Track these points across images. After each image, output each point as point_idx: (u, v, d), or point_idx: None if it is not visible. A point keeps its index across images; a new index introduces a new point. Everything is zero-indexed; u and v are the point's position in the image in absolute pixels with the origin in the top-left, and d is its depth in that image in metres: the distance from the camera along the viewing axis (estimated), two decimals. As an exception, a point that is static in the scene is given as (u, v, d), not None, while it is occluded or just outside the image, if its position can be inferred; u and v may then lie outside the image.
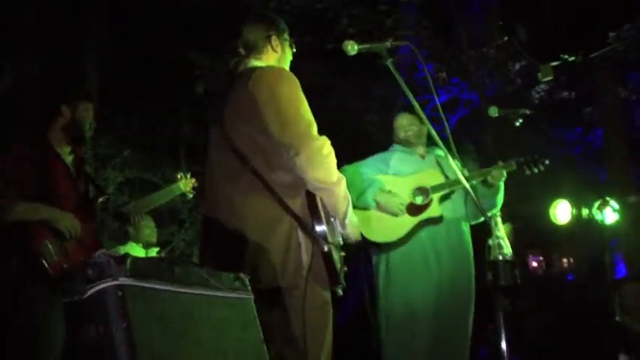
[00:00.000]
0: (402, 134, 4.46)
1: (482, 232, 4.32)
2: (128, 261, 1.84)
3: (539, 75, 3.85)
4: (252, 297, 2.32)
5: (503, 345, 2.53)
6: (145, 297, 1.87)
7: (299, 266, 2.58)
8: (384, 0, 8.99)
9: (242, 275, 2.32)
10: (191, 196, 4.49)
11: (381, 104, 10.17)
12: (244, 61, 2.83)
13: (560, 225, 7.63)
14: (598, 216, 6.36)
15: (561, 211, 7.51)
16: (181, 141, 9.20)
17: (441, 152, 3.13)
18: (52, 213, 3.30)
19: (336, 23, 8.95)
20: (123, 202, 7.27)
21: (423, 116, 3.27)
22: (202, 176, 3.02)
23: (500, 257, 2.55)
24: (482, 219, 4.29)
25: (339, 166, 2.81)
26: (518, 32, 3.88)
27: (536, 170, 4.29)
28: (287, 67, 2.94)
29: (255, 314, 2.30)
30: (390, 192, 4.25)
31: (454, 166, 2.89)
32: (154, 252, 5.78)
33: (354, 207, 3.06)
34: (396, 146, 4.52)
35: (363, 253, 4.32)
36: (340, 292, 2.72)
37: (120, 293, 1.79)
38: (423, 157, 4.45)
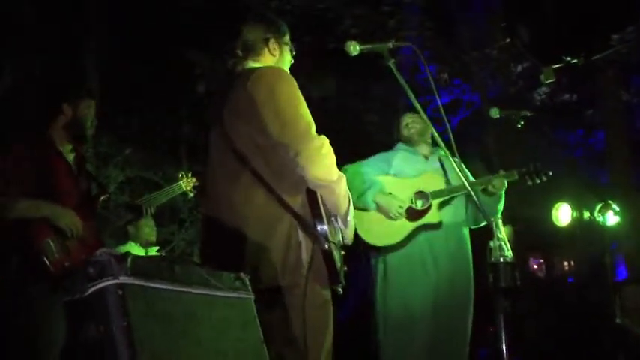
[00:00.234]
0: (405, 132, 4.47)
1: (483, 234, 4.32)
2: (129, 260, 1.84)
3: (542, 76, 3.86)
4: (252, 297, 2.32)
5: (504, 347, 2.53)
6: (146, 296, 1.87)
7: (299, 265, 2.58)
8: (387, 0, 8.98)
9: (242, 275, 2.32)
10: (192, 195, 4.50)
11: (382, 105, 10.18)
12: (242, 62, 2.83)
13: (561, 227, 7.64)
14: (599, 218, 6.37)
15: (562, 214, 7.51)
16: (182, 140, 9.20)
17: (446, 153, 3.12)
18: (54, 210, 3.31)
19: (338, 23, 8.95)
20: (123, 201, 7.27)
21: (425, 117, 3.28)
22: (203, 176, 3.02)
23: (501, 259, 2.55)
24: (482, 224, 4.31)
25: (340, 166, 2.81)
26: (521, 34, 3.88)
27: (538, 181, 4.29)
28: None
29: (255, 314, 2.30)
30: (390, 194, 4.25)
31: (457, 169, 2.89)
32: (153, 251, 5.78)
33: (354, 208, 3.06)
34: (400, 145, 4.53)
35: (362, 253, 4.33)
36: (340, 290, 2.72)
37: (120, 292, 1.79)
38: (426, 157, 4.45)
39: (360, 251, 4.23)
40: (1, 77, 7.25)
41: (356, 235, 3.36)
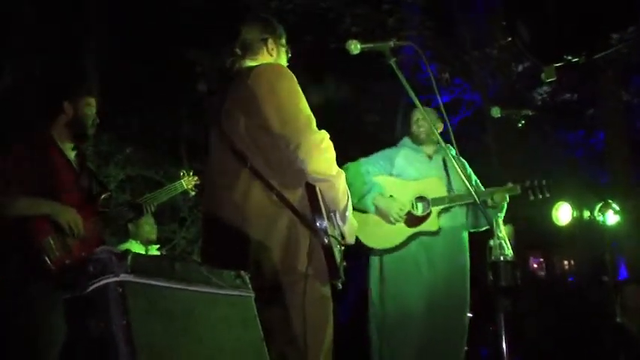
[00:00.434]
0: (414, 127, 4.44)
1: (483, 234, 4.34)
2: (129, 257, 1.84)
3: (543, 76, 3.85)
4: (252, 295, 2.32)
5: (504, 346, 2.53)
6: (146, 294, 1.87)
7: (300, 261, 2.59)
8: (388, 0, 8.99)
9: (243, 273, 2.32)
10: (193, 193, 4.51)
11: (383, 104, 10.18)
12: (240, 61, 2.85)
13: (562, 227, 7.63)
14: (599, 218, 6.36)
15: (562, 213, 7.51)
16: (182, 139, 9.21)
17: (450, 152, 3.12)
18: (54, 208, 3.31)
19: (339, 23, 8.95)
20: (124, 200, 7.28)
21: (425, 116, 3.29)
22: (204, 174, 3.03)
23: (502, 258, 2.55)
24: (482, 228, 4.32)
25: (342, 164, 2.81)
26: (522, 33, 3.87)
27: (540, 196, 4.29)
28: None
29: (256, 312, 2.30)
30: (391, 197, 4.25)
31: (460, 172, 2.89)
32: (154, 249, 5.79)
33: (353, 209, 3.07)
34: (405, 141, 4.51)
35: (361, 253, 4.33)
36: (340, 286, 2.73)
37: (120, 290, 1.79)
38: (430, 157, 4.44)
39: (359, 250, 4.23)
40: (1, 77, 7.26)
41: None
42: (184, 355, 1.93)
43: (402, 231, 4.24)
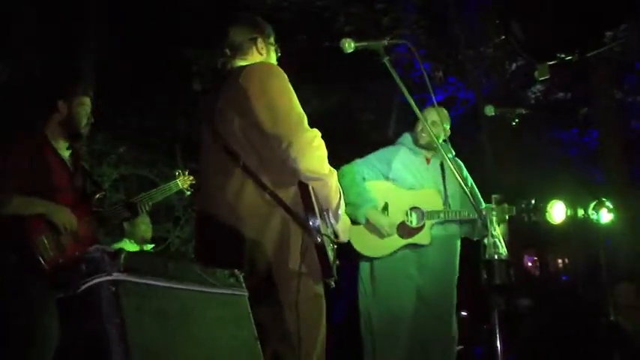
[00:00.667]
0: (418, 127, 4.39)
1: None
2: (122, 256, 1.84)
3: (536, 74, 3.86)
4: (246, 294, 2.32)
5: (498, 344, 2.53)
6: (139, 292, 1.86)
7: (293, 259, 2.60)
8: (381, -1, 8.99)
9: (237, 272, 2.32)
10: (189, 193, 4.50)
11: (377, 103, 10.18)
12: (231, 62, 2.86)
13: (556, 225, 7.64)
14: (593, 216, 6.37)
15: (556, 211, 7.51)
16: (177, 138, 9.19)
17: (447, 154, 3.12)
18: (48, 207, 3.30)
19: (333, 21, 8.95)
20: (118, 199, 7.26)
21: (420, 114, 3.27)
22: (199, 174, 3.03)
23: (496, 256, 2.55)
24: (475, 238, 4.32)
25: (337, 166, 2.81)
26: (516, 31, 3.88)
27: (534, 218, 4.31)
28: None
29: (249, 311, 2.30)
30: (384, 211, 4.23)
31: (457, 176, 2.89)
32: (148, 248, 5.78)
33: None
34: (405, 138, 4.47)
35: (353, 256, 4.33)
36: (333, 284, 2.73)
37: (113, 289, 1.78)
38: (428, 160, 4.42)
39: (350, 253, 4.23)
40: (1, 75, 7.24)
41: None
42: (178, 353, 1.93)
43: (395, 241, 4.24)
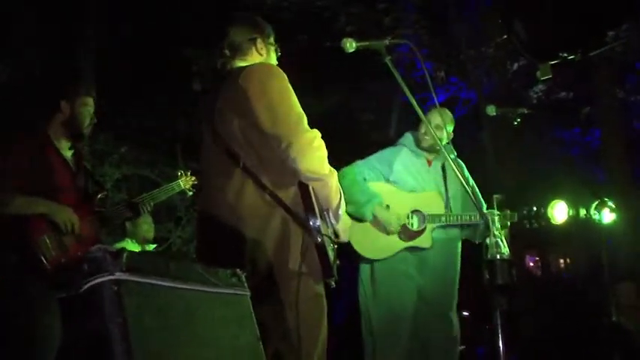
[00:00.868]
0: (421, 134, 4.37)
1: (479, 231, 4.34)
2: (124, 256, 1.84)
3: (538, 73, 3.85)
4: (248, 293, 2.32)
5: (500, 344, 2.53)
6: (141, 292, 1.86)
7: (293, 259, 2.60)
8: (382, -1, 8.99)
9: (238, 271, 2.32)
10: (191, 193, 4.51)
11: (377, 103, 10.18)
12: (230, 62, 2.86)
13: (557, 225, 7.63)
14: (595, 216, 6.36)
15: (558, 211, 7.50)
16: (178, 138, 9.20)
17: (449, 155, 3.12)
18: (50, 206, 3.31)
19: (334, 21, 8.94)
20: (120, 199, 7.26)
21: (424, 117, 3.27)
22: (200, 174, 3.04)
23: (498, 256, 2.55)
24: (477, 241, 4.32)
25: (337, 166, 2.81)
26: (518, 30, 3.87)
27: (536, 225, 4.30)
28: None
29: (252, 310, 2.30)
30: (388, 207, 4.22)
31: (459, 176, 2.88)
32: (150, 248, 5.78)
33: (348, 215, 3.05)
34: (406, 139, 4.46)
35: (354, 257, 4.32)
36: (333, 284, 2.73)
37: (116, 288, 1.78)
38: (429, 162, 4.40)
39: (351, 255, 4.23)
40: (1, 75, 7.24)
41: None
42: (180, 353, 1.93)
43: (395, 243, 4.22)
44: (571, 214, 7.47)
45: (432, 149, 4.36)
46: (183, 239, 8.70)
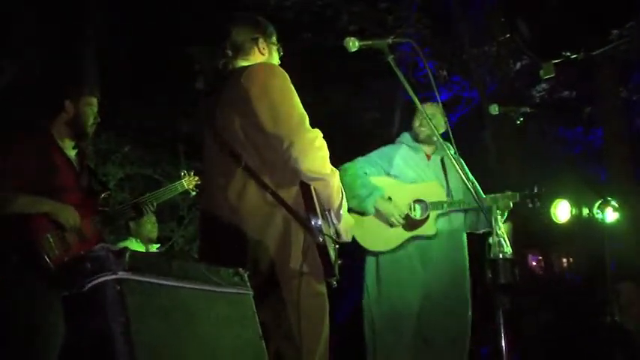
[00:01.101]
0: (416, 126, 4.41)
1: (482, 231, 4.34)
2: (127, 255, 1.84)
3: (541, 72, 3.85)
4: (251, 293, 2.32)
5: (503, 343, 2.53)
6: (144, 291, 1.86)
7: (294, 258, 2.60)
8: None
9: (241, 271, 2.32)
10: (194, 193, 4.51)
11: (380, 102, 10.18)
12: (232, 62, 2.85)
13: (560, 224, 7.62)
14: (598, 215, 6.35)
15: (561, 210, 7.49)
16: (179, 138, 9.20)
17: (449, 151, 3.12)
18: (54, 206, 3.31)
19: (336, 20, 8.94)
20: (124, 199, 7.28)
21: (428, 121, 3.27)
22: (203, 174, 3.04)
23: (500, 256, 2.55)
24: (480, 231, 4.32)
25: (338, 163, 2.80)
26: (521, 29, 3.87)
27: (538, 204, 4.30)
28: None
29: (254, 310, 2.30)
30: (390, 199, 4.23)
31: (458, 170, 2.88)
32: (154, 248, 5.78)
33: (351, 211, 3.05)
34: (404, 137, 4.48)
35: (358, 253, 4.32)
36: (335, 284, 2.73)
37: (118, 287, 1.78)
38: (428, 156, 4.42)
39: (355, 250, 4.23)
40: (1, 76, 7.25)
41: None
42: (183, 352, 1.93)
43: (400, 234, 4.23)
44: (574, 213, 7.46)
45: (429, 140, 4.38)
46: (185, 238, 8.71)
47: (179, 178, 4.46)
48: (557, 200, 7.53)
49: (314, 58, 8.47)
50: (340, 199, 2.75)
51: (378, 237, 4.24)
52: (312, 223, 2.58)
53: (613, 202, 6.36)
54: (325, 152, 2.64)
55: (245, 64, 2.81)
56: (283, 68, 2.77)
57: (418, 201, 4.27)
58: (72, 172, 3.53)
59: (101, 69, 7.87)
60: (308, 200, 2.61)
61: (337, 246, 2.80)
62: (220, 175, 2.72)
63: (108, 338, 1.74)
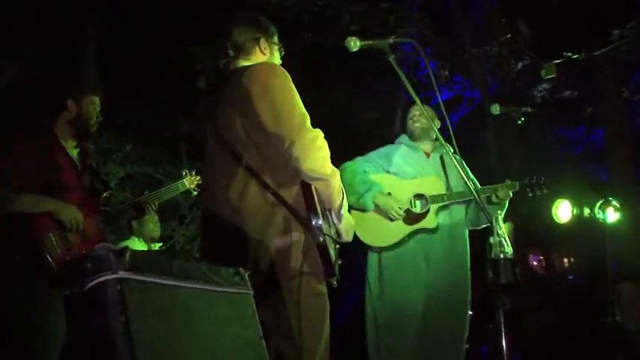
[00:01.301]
0: (410, 123, 4.44)
1: (483, 231, 4.34)
2: (127, 254, 1.84)
3: (542, 72, 3.85)
4: (251, 292, 2.32)
5: (504, 343, 2.53)
6: (144, 290, 1.86)
7: (295, 258, 2.61)
8: (386, -3, 8.99)
9: (241, 270, 2.32)
10: (195, 193, 4.52)
11: (380, 102, 10.17)
12: (233, 62, 2.85)
13: (561, 224, 7.62)
14: (599, 215, 6.35)
15: (562, 210, 7.49)
16: (179, 138, 9.21)
17: (448, 149, 3.12)
18: (56, 205, 3.32)
19: (337, 20, 8.94)
20: (125, 198, 7.28)
21: (426, 113, 3.27)
22: (204, 173, 3.04)
23: (501, 255, 2.55)
24: (482, 226, 4.32)
25: (339, 162, 2.80)
26: (522, 29, 3.87)
27: (538, 193, 4.30)
28: None
29: (255, 309, 2.30)
30: (389, 194, 4.24)
31: (460, 170, 2.88)
32: (156, 247, 5.78)
33: (351, 208, 3.05)
34: (402, 138, 4.52)
35: (359, 250, 4.33)
36: (335, 283, 2.74)
37: (119, 287, 1.78)
38: (427, 154, 4.44)
39: (357, 247, 4.23)
40: (2, 76, 7.25)
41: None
42: (183, 352, 1.93)
43: (401, 228, 4.24)
44: (575, 213, 7.45)
45: (426, 137, 4.39)
46: (186, 237, 8.71)
47: (180, 177, 4.47)
48: (559, 200, 7.53)
49: (314, 58, 8.47)
50: (341, 199, 2.76)
51: (379, 232, 4.25)
52: (313, 222, 2.58)
53: (614, 203, 6.37)
54: (326, 152, 2.64)
55: (246, 63, 2.81)
56: (284, 68, 2.77)
57: (418, 196, 4.28)
58: (74, 172, 3.54)
59: (101, 69, 7.87)
60: (309, 200, 2.62)
61: (338, 246, 2.80)
62: (221, 175, 2.72)
63: (108, 337, 1.74)
